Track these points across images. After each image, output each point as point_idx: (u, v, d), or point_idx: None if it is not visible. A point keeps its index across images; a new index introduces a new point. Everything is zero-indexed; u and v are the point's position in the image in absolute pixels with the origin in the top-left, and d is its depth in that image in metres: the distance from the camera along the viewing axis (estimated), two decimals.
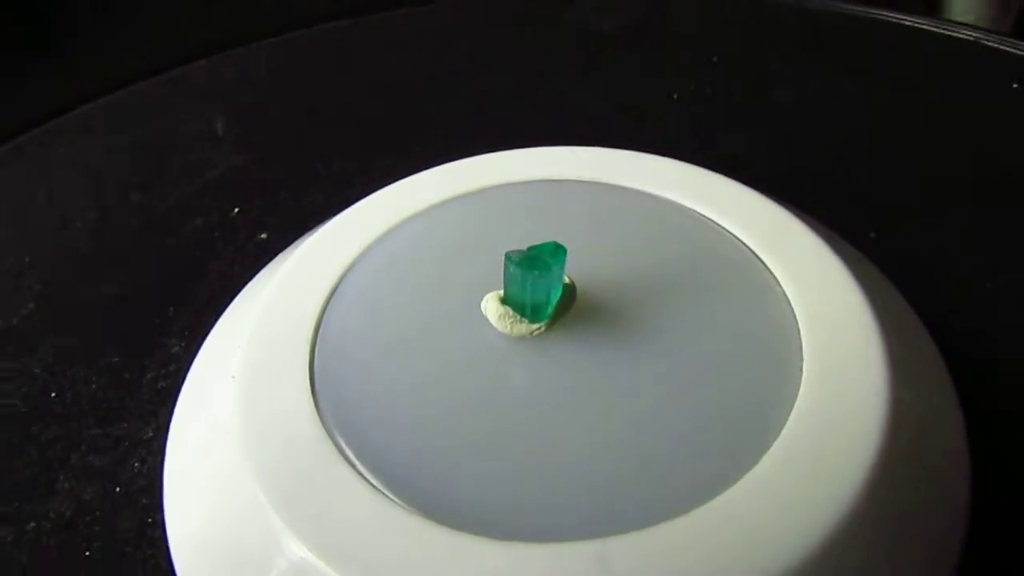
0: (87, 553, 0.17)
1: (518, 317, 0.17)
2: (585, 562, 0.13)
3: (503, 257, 0.16)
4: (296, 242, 0.21)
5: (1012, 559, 0.16)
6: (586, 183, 0.20)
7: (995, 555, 0.16)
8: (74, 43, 0.46)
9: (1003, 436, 0.18)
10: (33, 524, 0.18)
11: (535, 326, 0.17)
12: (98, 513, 0.18)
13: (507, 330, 0.17)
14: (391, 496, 0.14)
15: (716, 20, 0.34)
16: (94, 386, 0.21)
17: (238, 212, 0.26)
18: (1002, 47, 0.30)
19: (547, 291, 0.16)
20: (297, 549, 0.14)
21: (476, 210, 0.20)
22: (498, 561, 0.13)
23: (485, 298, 0.17)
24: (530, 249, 0.16)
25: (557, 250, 0.16)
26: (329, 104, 0.31)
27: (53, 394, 0.21)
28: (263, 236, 0.24)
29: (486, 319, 0.17)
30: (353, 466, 0.15)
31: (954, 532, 0.16)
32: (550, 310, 0.17)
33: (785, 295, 0.17)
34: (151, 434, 0.20)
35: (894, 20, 0.33)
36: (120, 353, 0.22)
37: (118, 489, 0.19)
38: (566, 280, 0.17)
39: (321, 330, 0.17)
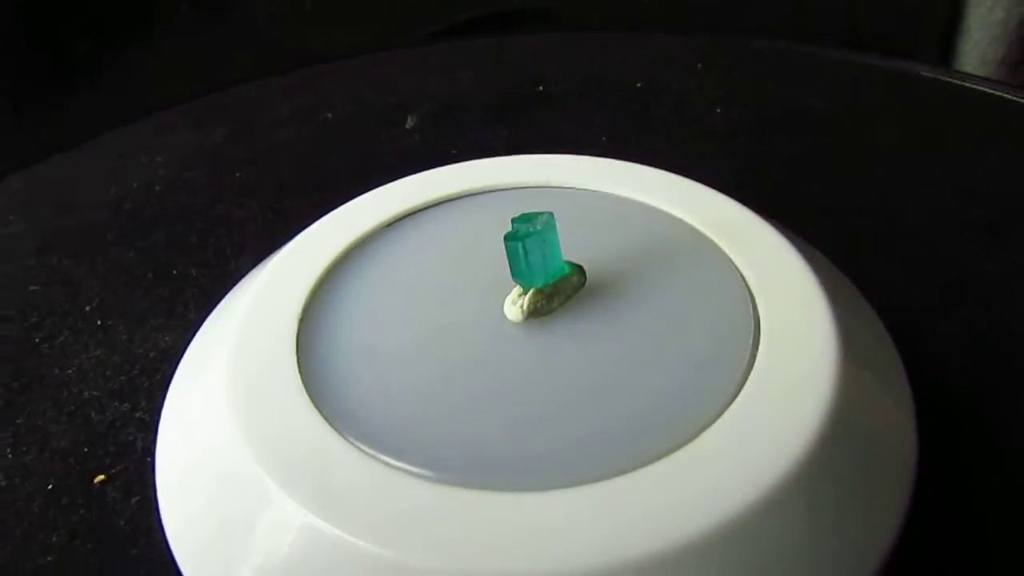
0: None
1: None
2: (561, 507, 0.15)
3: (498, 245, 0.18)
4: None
5: (953, 535, 0.17)
6: (573, 189, 0.22)
7: (937, 528, 0.17)
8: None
9: (948, 406, 0.19)
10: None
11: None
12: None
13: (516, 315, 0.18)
14: (373, 451, 0.16)
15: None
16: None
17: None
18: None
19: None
20: (298, 513, 0.15)
21: (463, 212, 0.22)
22: (485, 509, 0.15)
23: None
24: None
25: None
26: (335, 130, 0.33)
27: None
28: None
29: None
30: (341, 433, 0.16)
31: (898, 502, 0.16)
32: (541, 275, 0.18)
33: (744, 279, 0.19)
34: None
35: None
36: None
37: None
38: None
39: (308, 306, 0.19)
